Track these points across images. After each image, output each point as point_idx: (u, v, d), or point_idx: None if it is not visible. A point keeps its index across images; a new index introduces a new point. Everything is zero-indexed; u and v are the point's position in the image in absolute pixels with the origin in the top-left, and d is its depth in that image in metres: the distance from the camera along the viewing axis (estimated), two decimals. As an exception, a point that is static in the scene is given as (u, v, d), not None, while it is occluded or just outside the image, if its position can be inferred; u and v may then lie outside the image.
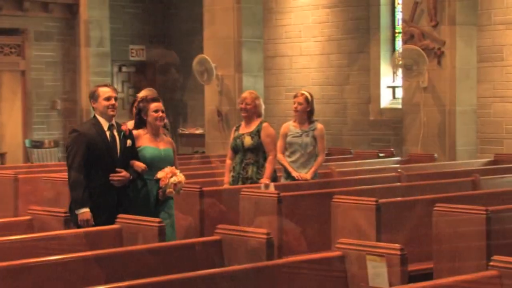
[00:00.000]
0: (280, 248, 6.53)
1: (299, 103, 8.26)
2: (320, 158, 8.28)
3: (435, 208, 5.88)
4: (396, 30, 14.14)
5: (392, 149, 11.88)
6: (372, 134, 14.24)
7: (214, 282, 4.12)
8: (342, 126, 14.65)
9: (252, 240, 4.79)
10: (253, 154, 7.91)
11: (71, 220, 6.08)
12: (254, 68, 13.09)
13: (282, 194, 6.82)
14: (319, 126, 8.34)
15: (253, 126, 7.97)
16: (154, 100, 6.74)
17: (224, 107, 13.12)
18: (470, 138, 11.35)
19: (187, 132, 16.52)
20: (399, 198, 6.91)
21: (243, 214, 6.88)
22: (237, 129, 8.12)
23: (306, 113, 8.29)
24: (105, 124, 6.22)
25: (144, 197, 6.51)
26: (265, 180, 7.66)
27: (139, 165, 6.36)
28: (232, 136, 8.12)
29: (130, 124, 8.77)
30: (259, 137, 7.89)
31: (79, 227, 5.94)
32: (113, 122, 6.27)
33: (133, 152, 6.39)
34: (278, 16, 15.55)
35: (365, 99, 14.39)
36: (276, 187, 7.32)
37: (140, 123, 6.72)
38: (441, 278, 5.22)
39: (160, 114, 6.65)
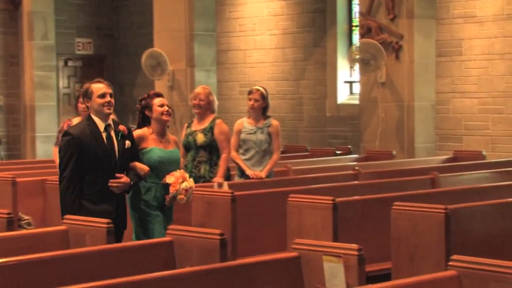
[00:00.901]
0: (234, 249, 6.54)
1: (256, 100, 8.28)
2: (275, 156, 8.31)
3: (393, 207, 5.94)
4: (353, 24, 14.24)
5: (349, 146, 11.96)
6: (329, 130, 14.33)
7: (165, 285, 4.12)
8: (297, 123, 14.72)
9: (205, 241, 4.79)
10: (206, 152, 7.90)
11: None
12: (206, 63, 13.08)
13: (236, 193, 6.83)
14: (274, 122, 8.37)
15: (206, 123, 7.96)
16: (157, 95, 6.63)
17: (175, 103, 13.08)
18: (428, 134, 11.49)
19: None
20: (356, 197, 6.96)
21: (195, 214, 6.88)
22: (189, 125, 8.10)
23: (261, 110, 8.32)
24: (101, 125, 5.90)
25: (148, 203, 6.36)
26: (218, 178, 7.66)
27: (141, 167, 6.09)
28: (183, 133, 8.10)
29: (76, 120, 8.74)
30: (212, 134, 7.88)
31: None
32: (110, 121, 5.98)
33: (133, 154, 6.09)
34: (231, 8, 15.55)
35: (321, 94, 14.47)
36: (229, 186, 7.33)
37: (144, 122, 6.59)
38: (399, 278, 5.27)
39: (166, 108, 6.54)
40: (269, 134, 8.29)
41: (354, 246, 4.43)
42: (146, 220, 6.33)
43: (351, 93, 14.39)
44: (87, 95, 5.97)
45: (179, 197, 6.25)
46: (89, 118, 5.97)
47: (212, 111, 8.05)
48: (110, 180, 5.88)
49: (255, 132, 8.28)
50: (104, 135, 5.92)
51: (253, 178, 8.11)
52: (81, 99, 8.73)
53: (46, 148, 14.09)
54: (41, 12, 14.82)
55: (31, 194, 8.14)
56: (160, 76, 13.01)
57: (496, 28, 12.28)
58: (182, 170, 6.39)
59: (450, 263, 4.11)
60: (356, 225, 6.47)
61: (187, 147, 7.95)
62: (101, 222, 5.28)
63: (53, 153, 8.96)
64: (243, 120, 8.44)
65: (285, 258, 4.59)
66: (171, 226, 5.12)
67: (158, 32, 13.18)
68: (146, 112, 6.58)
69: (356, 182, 8.36)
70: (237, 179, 8.27)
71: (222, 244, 4.75)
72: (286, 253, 4.77)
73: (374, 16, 11.44)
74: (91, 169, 5.85)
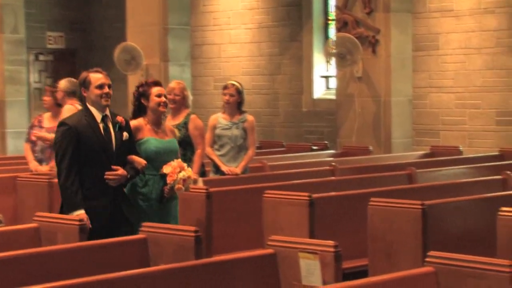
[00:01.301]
0: (209, 246, 6.53)
1: (231, 95, 8.27)
2: (250, 152, 8.31)
3: (370, 203, 5.96)
4: (329, 17, 14.27)
5: (325, 142, 11.99)
6: (305, 126, 14.35)
7: (139, 283, 4.11)
8: (273, 118, 14.73)
9: (179, 238, 4.79)
10: (180, 148, 7.86)
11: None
12: (180, 57, 13.04)
13: (211, 189, 6.82)
14: (249, 118, 8.38)
15: (180, 118, 7.94)
16: (155, 83, 6.48)
17: (149, 98, 13.02)
18: (405, 129, 11.54)
19: (109, 125, 16.36)
20: (333, 193, 6.98)
21: (169, 211, 6.85)
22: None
23: (236, 105, 8.32)
24: (97, 115, 5.78)
25: (147, 196, 6.26)
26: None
27: (139, 161, 5.96)
28: (157, 128, 8.07)
29: (46, 115, 8.69)
30: (187, 129, 7.86)
31: None
32: (107, 112, 5.87)
33: (130, 146, 5.98)
34: (205, 2, 15.52)
35: (297, 89, 14.49)
36: (204, 182, 7.32)
37: (139, 111, 6.46)
38: (376, 275, 5.30)
39: (163, 99, 6.41)
40: (245, 130, 8.29)
41: (331, 242, 4.44)
42: (144, 217, 6.25)
43: (328, 88, 14.42)
44: (85, 84, 5.83)
45: (176, 186, 6.12)
46: (86, 109, 5.84)
47: (187, 106, 8.03)
48: (106, 173, 5.74)
49: (230, 128, 8.28)
50: (101, 126, 5.80)
51: (228, 174, 8.11)
52: (47, 93, 8.69)
53: (17, 144, 13.98)
54: (11, 4, 14.68)
55: (2, 191, 8.08)
56: (134, 71, 12.94)
57: (473, 22, 12.35)
58: (179, 160, 6.27)
59: (427, 259, 4.14)
60: (332, 222, 6.48)
61: (161, 143, 7.92)
62: (73, 220, 5.26)
63: (24, 149, 8.89)
64: (218, 115, 8.44)
65: (260, 255, 4.59)
66: (144, 224, 5.11)
67: (131, 26, 13.11)
68: (142, 101, 6.48)
69: (332, 178, 8.39)
70: (212, 175, 8.27)
71: (197, 241, 4.74)
72: (262, 250, 4.77)
73: (350, 10, 11.46)
74: (87, 161, 5.71)
